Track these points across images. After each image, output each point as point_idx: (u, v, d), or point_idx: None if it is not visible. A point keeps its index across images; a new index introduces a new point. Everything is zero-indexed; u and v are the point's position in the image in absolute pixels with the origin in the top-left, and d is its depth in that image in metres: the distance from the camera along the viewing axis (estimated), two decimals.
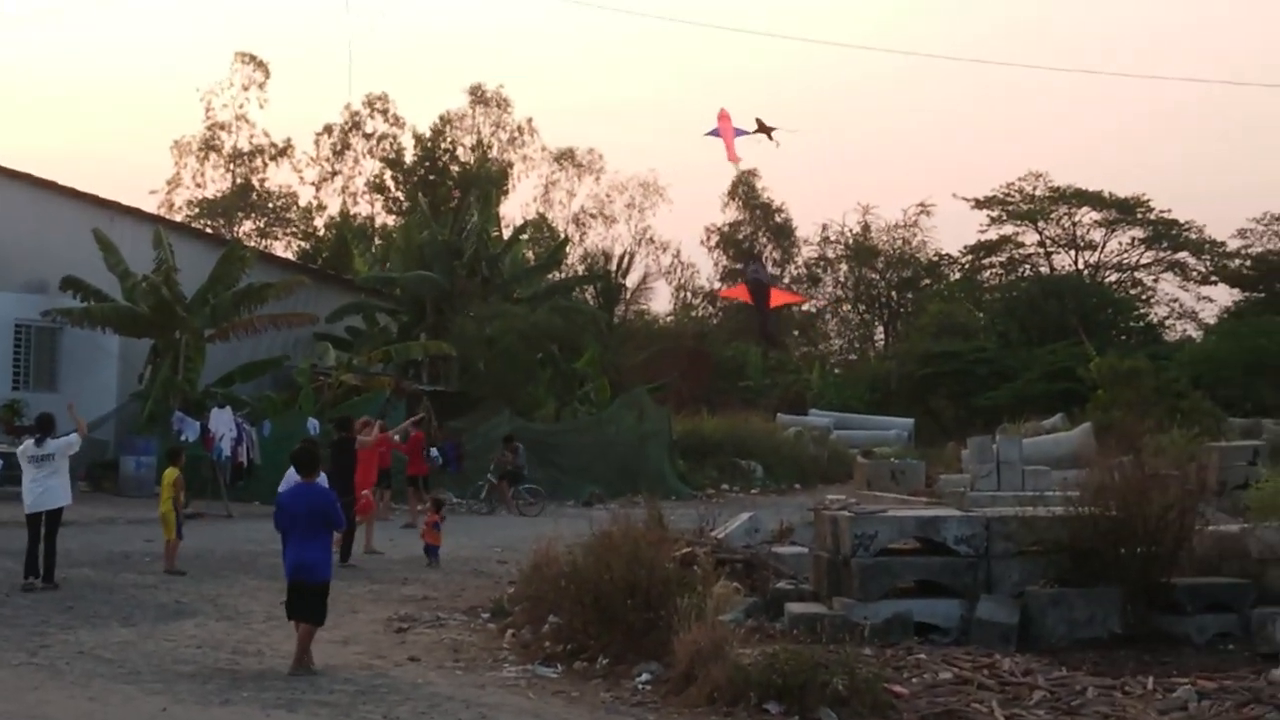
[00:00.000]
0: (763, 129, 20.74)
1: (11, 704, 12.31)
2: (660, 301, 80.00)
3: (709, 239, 79.93)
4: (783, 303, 18.93)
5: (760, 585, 17.12)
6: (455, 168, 69.70)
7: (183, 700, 12.66)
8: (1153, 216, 75.39)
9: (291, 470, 15.83)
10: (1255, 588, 15.62)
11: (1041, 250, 78.38)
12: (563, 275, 59.63)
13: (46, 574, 19.25)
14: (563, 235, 72.36)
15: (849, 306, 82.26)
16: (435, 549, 23.59)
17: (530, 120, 77.43)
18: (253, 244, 62.16)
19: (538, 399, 46.18)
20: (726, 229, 79.50)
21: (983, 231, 77.93)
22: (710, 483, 42.84)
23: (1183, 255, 76.34)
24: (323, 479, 16.10)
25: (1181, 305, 77.55)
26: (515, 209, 76.07)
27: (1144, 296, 76.74)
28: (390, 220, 72.69)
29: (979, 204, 76.82)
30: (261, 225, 76.32)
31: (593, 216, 79.52)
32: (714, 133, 19.21)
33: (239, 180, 75.89)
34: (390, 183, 73.30)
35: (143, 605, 18.02)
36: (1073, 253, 78.21)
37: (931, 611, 15.31)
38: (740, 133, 19.45)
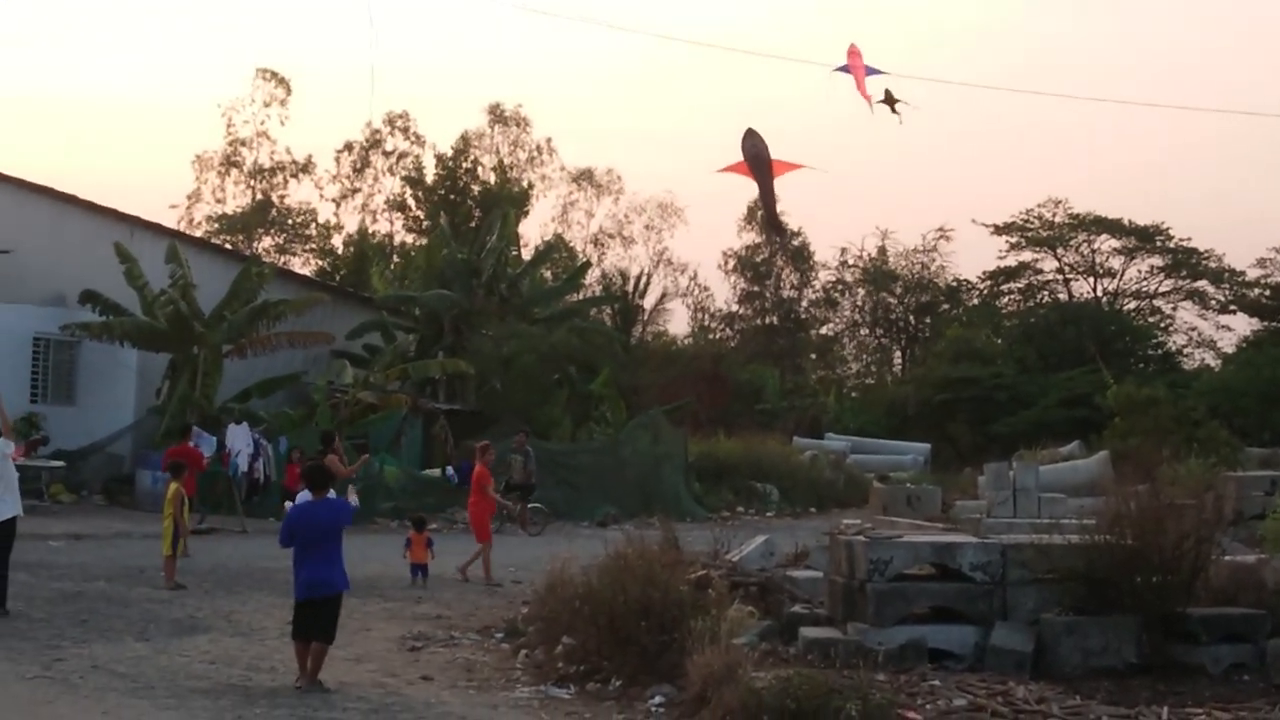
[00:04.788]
0: (890, 100, 20.41)
1: (25, 718, 12.35)
2: (678, 323, 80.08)
3: (726, 263, 79.98)
4: (785, 171, 18.43)
5: (775, 609, 17.08)
6: (476, 187, 69.75)
7: (196, 716, 12.69)
8: (1172, 245, 75.25)
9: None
10: (1271, 618, 15.54)
11: (1060, 277, 78.31)
12: (580, 296, 59.58)
13: None
14: (581, 256, 72.40)
15: (866, 331, 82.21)
16: (422, 568, 23.55)
17: (549, 140, 77.60)
18: (271, 260, 62.19)
19: (554, 419, 46.15)
20: (744, 252, 79.50)
21: (1001, 258, 77.92)
22: (725, 505, 42.75)
23: (1202, 284, 76.16)
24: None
25: (1200, 334, 77.39)
26: (534, 228, 76.15)
27: (1162, 324, 76.61)
28: (410, 239, 72.79)
29: (998, 230, 76.77)
30: (280, 242, 76.41)
31: (611, 237, 79.64)
32: (844, 69, 18.87)
33: (259, 196, 76.00)
34: (411, 201, 73.36)
35: (157, 620, 18.04)
36: (1091, 280, 78.13)
37: (946, 638, 15.26)
38: (872, 71, 19.09)
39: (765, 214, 17.00)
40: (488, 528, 24.58)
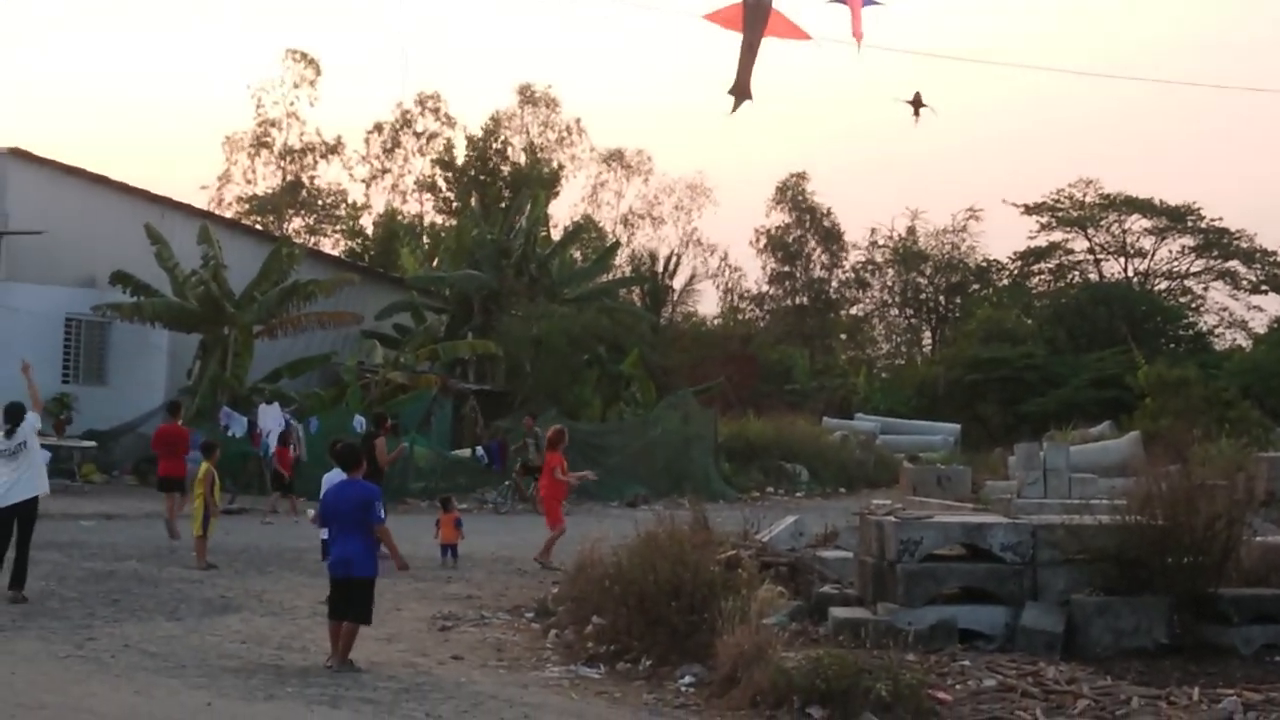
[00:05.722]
0: (916, 103, 19.88)
1: (58, 696, 12.39)
2: (708, 303, 79.96)
3: (758, 240, 79.83)
4: (783, 31, 17.09)
5: (804, 589, 17.09)
6: (506, 168, 69.74)
7: (227, 695, 12.72)
8: (1203, 225, 74.94)
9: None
10: None
11: (1091, 257, 78.07)
12: (610, 277, 59.54)
13: (17, 579, 17.52)
14: (611, 236, 72.35)
15: (896, 311, 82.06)
16: (452, 548, 23.55)
17: (578, 120, 77.51)
18: (301, 241, 62.29)
19: (584, 399, 46.21)
20: (775, 231, 79.35)
21: (1032, 238, 77.77)
22: (755, 485, 42.76)
23: (1233, 264, 75.85)
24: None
25: (1231, 314, 77.11)
26: (563, 209, 76.12)
27: (1193, 305, 76.29)
28: (440, 219, 72.82)
29: (1028, 210, 76.57)
30: (310, 223, 76.51)
31: (640, 218, 79.52)
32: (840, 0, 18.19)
33: (289, 177, 76.09)
34: (441, 182, 73.37)
35: (188, 599, 18.11)
36: (1122, 260, 77.87)
37: (976, 618, 15.25)
38: (869, 1, 18.41)
39: (738, 75, 15.87)
40: (558, 512, 24.07)
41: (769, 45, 17.41)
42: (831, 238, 79.66)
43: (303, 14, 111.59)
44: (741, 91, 17.02)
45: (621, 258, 69.97)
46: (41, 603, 17.34)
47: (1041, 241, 77.58)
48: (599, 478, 29.91)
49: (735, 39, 17.08)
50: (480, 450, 38.20)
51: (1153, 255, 77.10)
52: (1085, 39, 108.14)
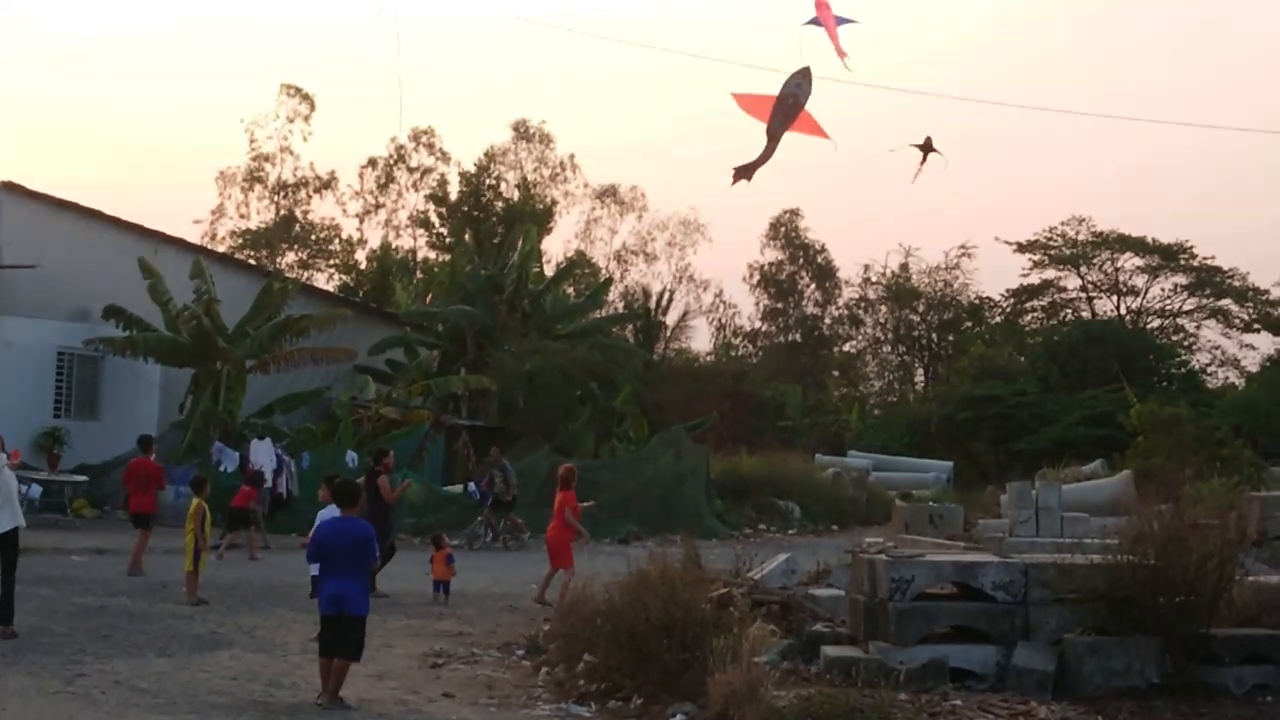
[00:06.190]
0: (926, 148, 19.77)
1: None
2: (700, 339, 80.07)
3: (751, 276, 79.97)
4: (806, 129, 17.08)
5: (796, 627, 17.06)
6: (499, 204, 69.87)
7: None
8: (1196, 263, 75.17)
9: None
10: None
11: (1083, 295, 78.27)
12: (603, 312, 59.61)
13: (5, 614, 17.31)
14: (604, 272, 72.48)
15: (889, 348, 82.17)
16: (444, 584, 23.49)
17: (572, 156, 77.66)
18: (294, 276, 62.30)
19: (576, 435, 46.19)
20: (768, 267, 79.50)
21: (1024, 275, 77.96)
22: (747, 522, 42.71)
23: (1225, 302, 76.08)
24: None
25: (1224, 352, 77.36)
26: (557, 245, 76.24)
27: (1186, 343, 76.46)
28: (433, 255, 72.87)
29: (1021, 248, 76.78)
30: (304, 257, 76.57)
31: (634, 254, 79.65)
32: (814, 22, 18.03)
33: (282, 212, 76.16)
34: (435, 218, 73.45)
35: (179, 635, 18.06)
36: (1115, 298, 78.09)
37: (968, 657, 15.22)
38: (841, 21, 18.34)
39: (753, 162, 15.88)
40: (569, 553, 23.68)
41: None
42: (824, 274, 79.89)
43: (298, 49, 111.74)
44: (746, 174, 17.12)
45: (614, 294, 70.12)
46: (31, 638, 17.29)
47: (1034, 279, 77.84)
48: (590, 514, 29.79)
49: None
50: (472, 486, 38.13)
51: (1145, 293, 77.40)
52: (1078, 78, 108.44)
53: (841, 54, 18.31)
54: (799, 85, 17.63)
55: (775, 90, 17.63)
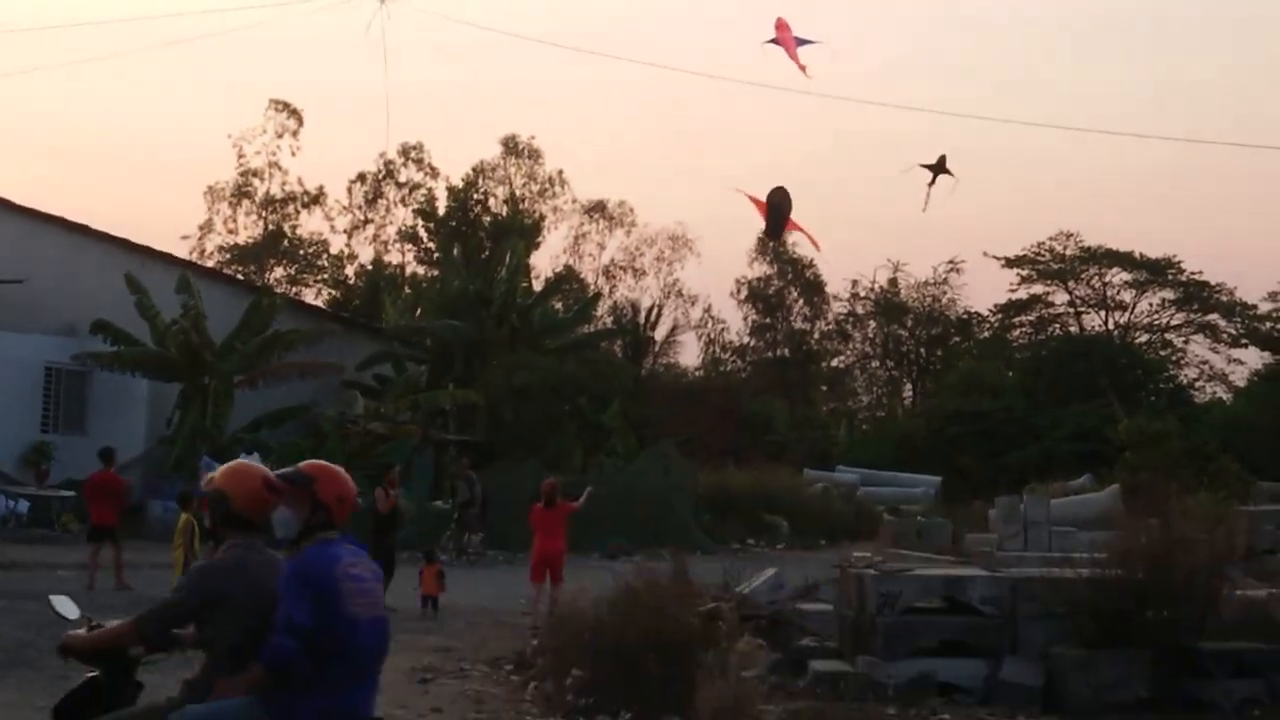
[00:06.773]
0: (938, 169, 20.08)
1: None
2: (689, 354, 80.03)
3: (739, 290, 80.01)
4: (795, 230, 18.16)
5: (784, 642, 17.06)
6: (488, 219, 69.84)
7: None
8: (1183, 278, 75.21)
9: None
10: None
11: (1071, 310, 78.27)
12: (591, 327, 59.59)
13: None
14: (592, 287, 72.46)
15: (877, 363, 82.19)
16: (433, 599, 23.48)
17: (560, 172, 77.63)
18: (282, 291, 62.26)
19: (564, 450, 46.16)
20: (756, 282, 79.54)
21: (1013, 290, 77.91)
22: (735, 537, 42.63)
23: (1213, 317, 76.12)
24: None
25: (1211, 367, 77.38)
26: (545, 260, 76.22)
27: (1174, 358, 76.48)
28: (421, 270, 72.82)
29: (1009, 263, 76.77)
30: (292, 272, 76.51)
31: (622, 269, 79.59)
32: (774, 42, 18.27)
33: (270, 227, 76.11)
34: (423, 233, 73.38)
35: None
36: (1103, 313, 78.12)
37: (956, 672, 15.23)
38: (802, 42, 18.57)
39: (767, 231, 17.03)
40: (559, 569, 23.13)
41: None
42: (813, 289, 79.83)
43: (286, 64, 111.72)
44: (774, 235, 18.36)
45: (603, 309, 70.07)
46: (19, 653, 17.23)
47: (1022, 294, 77.78)
48: (578, 528, 29.69)
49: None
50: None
51: (1133, 308, 77.42)
52: (1067, 93, 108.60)
53: (802, 68, 18.85)
54: (780, 200, 18.60)
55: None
